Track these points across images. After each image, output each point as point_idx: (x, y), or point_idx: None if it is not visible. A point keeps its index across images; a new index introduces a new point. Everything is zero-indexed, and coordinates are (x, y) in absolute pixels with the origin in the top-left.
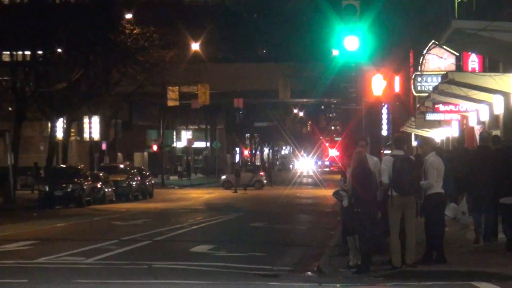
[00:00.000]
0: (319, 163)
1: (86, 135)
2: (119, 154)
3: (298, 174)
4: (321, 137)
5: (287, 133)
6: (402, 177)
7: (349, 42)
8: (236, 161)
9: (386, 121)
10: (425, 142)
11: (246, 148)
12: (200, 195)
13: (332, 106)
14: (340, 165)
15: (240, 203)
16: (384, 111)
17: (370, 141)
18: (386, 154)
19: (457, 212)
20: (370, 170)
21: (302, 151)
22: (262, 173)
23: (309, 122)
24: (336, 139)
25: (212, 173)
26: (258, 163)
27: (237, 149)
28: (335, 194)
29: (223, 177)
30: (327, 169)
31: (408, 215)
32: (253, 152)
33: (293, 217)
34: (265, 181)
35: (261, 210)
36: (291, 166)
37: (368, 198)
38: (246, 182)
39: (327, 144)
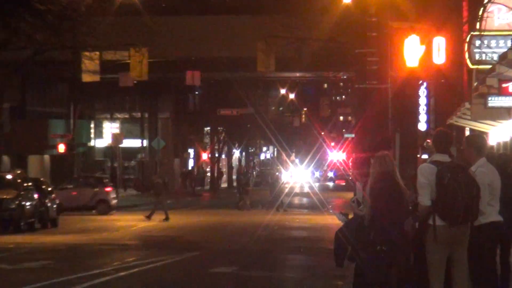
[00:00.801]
0: (318, 173)
1: None
2: (5, 158)
3: (286, 190)
4: (322, 133)
5: (269, 127)
6: (455, 196)
7: None
8: (190, 168)
9: (425, 108)
10: (469, 143)
11: (204, 150)
12: (131, 222)
13: (341, 84)
14: (350, 177)
15: (195, 235)
16: (422, 92)
17: (399, 140)
18: (425, 160)
19: None
20: (399, 185)
21: (293, 155)
22: (108, 189)
23: (304, 109)
24: (346, 135)
25: (151, 188)
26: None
27: (191, 151)
28: (339, 215)
29: None
30: (331, 183)
31: (459, 257)
32: (217, 155)
33: (278, 259)
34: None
35: (227, 247)
36: (275, 177)
37: (396, 230)
38: (83, 202)
39: (332, 144)
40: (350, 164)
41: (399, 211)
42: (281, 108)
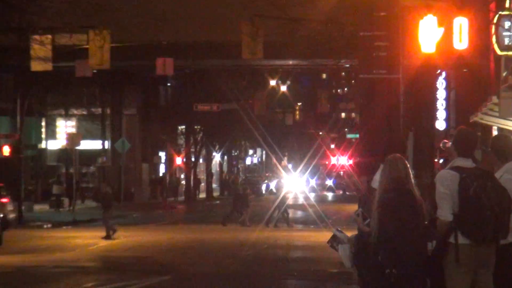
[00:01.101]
0: (314, 181)
1: None
2: None
3: (277, 201)
4: (320, 133)
5: (257, 126)
6: (482, 209)
7: None
8: (161, 175)
9: (444, 103)
10: (492, 145)
11: (179, 154)
12: (90, 240)
13: (343, 74)
14: (354, 186)
15: (167, 255)
16: (441, 84)
17: (413, 141)
18: (443, 166)
19: None
20: (414, 196)
21: (285, 159)
22: (4, 201)
23: (299, 104)
24: (349, 136)
25: (115, 199)
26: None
27: (162, 155)
28: (332, 240)
29: None
30: (331, 193)
31: (484, 282)
32: (193, 159)
33: (267, 285)
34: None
35: (206, 269)
36: (263, 186)
37: (410, 250)
38: None
39: (332, 147)
40: (349, 170)
41: (414, 227)
42: (271, 105)
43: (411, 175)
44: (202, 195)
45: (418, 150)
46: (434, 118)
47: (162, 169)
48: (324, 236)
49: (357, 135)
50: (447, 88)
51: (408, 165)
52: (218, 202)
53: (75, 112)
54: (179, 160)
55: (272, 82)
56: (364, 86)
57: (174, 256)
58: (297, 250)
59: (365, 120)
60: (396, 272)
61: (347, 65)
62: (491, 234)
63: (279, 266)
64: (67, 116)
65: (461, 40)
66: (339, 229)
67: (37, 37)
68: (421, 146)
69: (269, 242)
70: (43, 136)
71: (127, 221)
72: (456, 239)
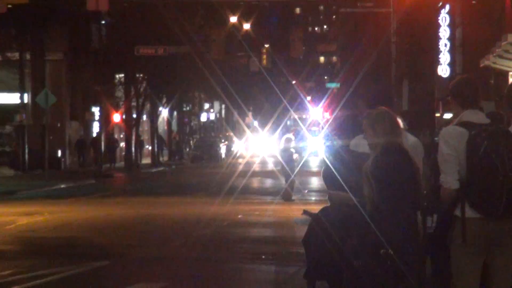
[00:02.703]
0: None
1: None
2: None
3: (240, 167)
4: (293, 82)
5: (214, 73)
6: (495, 175)
7: None
8: (95, 135)
9: (447, 43)
10: (506, 93)
11: (116, 109)
12: (7, 218)
13: (321, 8)
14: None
15: (103, 236)
16: (443, 20)
17: (407, 91)
18: (447, 122)
19: None
20: (411, 160)
21: (250, 115)
22: None
23: (266, 46)
24: (329, 85)
25: (38, 165)
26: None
27: (96, 110)
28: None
29: None
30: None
31: (499, 265)
32: (135, 115)
33: (227, 271)
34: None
35: (151, 253)
36: (222, 147)
37: (409, 225)
38: None
39: (308, 98)
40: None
41: (414, 197)
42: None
43: (403, 133)
44: (146, 161)
45: (415, 102)
46: (435, 62)
47: (96, 128)
48: (298, 211)
49: (337, 84)
50: (452, 25)
51: (400, 121)
52: (166, 168)
53: None
54: (117, 117)
55: (233, 19)
56: (348, 23)
57: (112, 236)
58: (265, 228)
59: (348, 66)
60: (392, 252)
61: None
62: (504, 206)
63: (241, 247)
64: None
65: None
66: (307, 211)
67: None
68: (418, 98)
69: (230, 219)
70: None
71: (53, 193)
72: (463, 212)
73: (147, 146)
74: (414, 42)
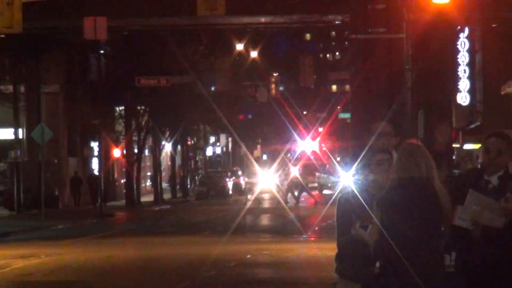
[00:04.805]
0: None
1: None
2: None
3: (249, 203)
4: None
5: (219, 105)
6: None
7: None
8: (92, 173)
9: (466, 69)
10: None
11: (117, 144)
12: (1, 261)
13: (333, 34)
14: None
15: (103, 279)
16: (462, 45)
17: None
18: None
19: None
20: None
21: (259, 148)
22: None
23: (275, 75)
24: (341, 116)
25: (34, 205)
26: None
27: (95, 145)
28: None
29: None
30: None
31: None
32: (136, 150)
33: None
34: None
35: None
36: (229, 182)
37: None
38: None
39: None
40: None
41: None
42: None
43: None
44: (147, 198)
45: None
46: (453, 90)
47: (95, 164)
48: (309, 249)
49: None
50: (471, 50)
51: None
52: (168, 207)
53: None
54: (117, 152)
55: (239, 47)
56: (358, 49)
57: (113, 279)
58: (275, 268)
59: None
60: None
61: (337, 22)
62: None
63: None
64: None
65: None
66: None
67: None
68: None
69: (238, 258)
70: None
71: (50, 234)
72: None
73: (148, 183)
74: (429, 68)
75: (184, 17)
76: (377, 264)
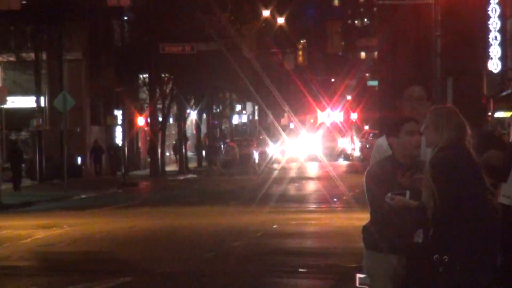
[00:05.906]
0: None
1: None
2: None
3: (275, 172)
4: (333, 80)
5: (245, 72)
6: None
7: None
8: (120, 141)
9: (497, 36)
10: None
11: (140, 113)
12: (23, 231)
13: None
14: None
15: (126, 249)
16: (493, 11)
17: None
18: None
19: None
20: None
21: (287, 115)
22: None
23: (302, 41)
24: (370, 83)
25: (56, 174)
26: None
27: (119, 113)
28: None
29: None
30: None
31: None
32: (161, 119)
33: (267, 285)
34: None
35: (179, 268)
36: (256, 151)
37: (476, 229)
38: None
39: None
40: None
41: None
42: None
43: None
44: (171, 168)
45: (461, 101)
46: (484, 57)
47: (118, 133)
48: (340, 219)
49: (376, 82)
50: (502, 16)
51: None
52: (194, 176)
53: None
54: (141, 121)
55: (265, 13)
56: (386, 16)
57: (136, 250)
58: (303, 238)
59: (386, 63)
60: (449, 259)
61: None
62: None
63: (275, 260)
64: None
65: None
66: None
67: None
68: (465, 96)
69: (264, 229)
70: None
71: (73, 204)
72: None
73: (170, 154)
74: (459, 35)
75: None
76: (420, 233)
